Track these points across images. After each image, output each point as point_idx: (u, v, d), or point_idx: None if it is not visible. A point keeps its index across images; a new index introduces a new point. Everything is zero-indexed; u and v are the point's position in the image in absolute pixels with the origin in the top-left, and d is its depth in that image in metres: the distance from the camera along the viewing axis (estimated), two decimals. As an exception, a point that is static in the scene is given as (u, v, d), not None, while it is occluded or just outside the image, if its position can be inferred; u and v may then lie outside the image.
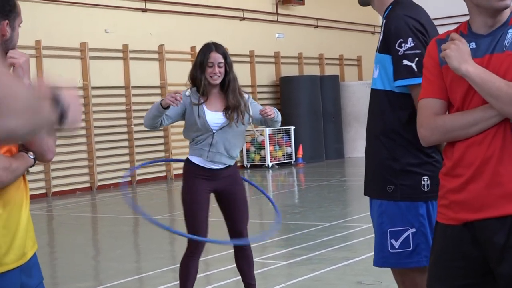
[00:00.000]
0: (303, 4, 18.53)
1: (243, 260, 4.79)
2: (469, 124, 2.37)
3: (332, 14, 19.45)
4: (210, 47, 4.62)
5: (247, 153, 16.83)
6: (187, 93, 4.61)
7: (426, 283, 2.55)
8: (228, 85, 4.62)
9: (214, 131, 4.57)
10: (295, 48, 18.64)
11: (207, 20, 16.16)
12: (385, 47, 3.00)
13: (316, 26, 19.25)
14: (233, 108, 4.59)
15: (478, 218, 2.38)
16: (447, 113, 2.48)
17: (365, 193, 3.20)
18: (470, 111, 2.38)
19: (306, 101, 17.49)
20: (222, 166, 4.61)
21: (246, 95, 4.73)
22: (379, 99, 3.05)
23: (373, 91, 3.10)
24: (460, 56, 2.36)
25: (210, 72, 4.55)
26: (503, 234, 2.34)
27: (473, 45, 2.42)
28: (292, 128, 17.19)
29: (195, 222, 4.54)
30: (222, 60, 4.60)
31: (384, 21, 3.07)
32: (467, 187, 2.39)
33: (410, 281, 3.10)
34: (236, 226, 4.68)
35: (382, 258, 3.06)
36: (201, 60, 4.58)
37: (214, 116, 4.58)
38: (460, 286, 2.42)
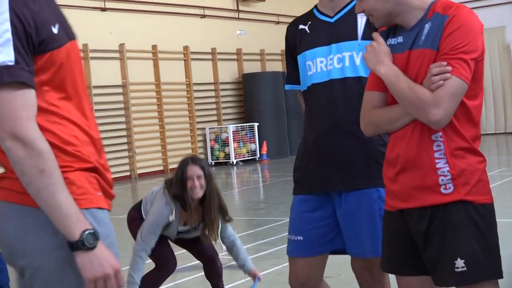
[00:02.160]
0: (264, 0, 18.56)
1: (213, 272, 4.87)
2: (391, 119, 2.46)
3: (293, 10, 19.50)
4: (186, 161, 4.53)
5: (211, 151, 16.83)
6: (171, 218, 4.49)
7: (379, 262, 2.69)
8: (208, 199, 4.53)
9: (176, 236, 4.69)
10: (257, 44, 18.67)
11: (167, 18, 16.09)
12: None
13: (278, 22, 19.30)
14: (205, 225, 4.59)
15: (405, 207, 2.50)
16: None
17: (354, 186, 3.10)
18: (393, 107, 2.47)
19: (269, 97, 17.52)
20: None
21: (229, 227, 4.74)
22: (361, 86, 2.95)
23: (353, 79, 3.08)
24: (375, 57, 2.45)
25: (190, 186, 4.45)
26: (424, 223, 2.45)
27: (401, 39, 2.47)
28: (256, 124, 17.22)
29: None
30: (201, 173, 4.49)
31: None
32: (397, 178, 2.50)
33: (378, 264, 3.13)
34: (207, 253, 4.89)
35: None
36: (180, 175, 4.47)
37: (183, 228, 4.66)
38: (405, 266, 2.55)
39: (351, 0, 3.17)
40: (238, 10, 18.26)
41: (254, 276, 4.82)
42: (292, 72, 3.29)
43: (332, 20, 3.18)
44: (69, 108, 2.01)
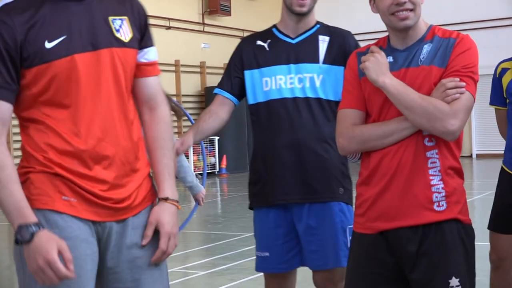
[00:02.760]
0: (230, 15, 18.62)
1: None
2: (384, 134, 2.45)
3: (258, 25, 19.57)
4: None
5: (170, 163, 16.72)
6: None
7: None
8: None
9: None
10: (221, 58, 18.65)
11: (132, 28, 16.01)
12: (343, 59, 3.06)
13: (243, 37, 19.33)
14: None
15: (392, 227, 2.46)
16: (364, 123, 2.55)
17: (316, 199, 3.16)
18: (386, 122, 2.46)
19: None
20: None
21: None
22: (322, 107, 3.15)
23: (315, 100, 3.15)
24: (378, 68, 2.45)
25: None
26: (415, 243, 2.43)
27: (391, 58, 2.51)
28: (216, 138, 17.20)
29: None
30: None
31: (327, 37, 3.20)
32: (381, 197, 2.47)
33: (340, 275, 3.17)
34: None
35: (344, 256, 3.11)
36: None
37: None
38: None
39: (313, 25, 3.28)
40: (203, 23, 18.27)
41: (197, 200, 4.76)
42: (228, 80, 3.32)
43: (293, 41, 3.26)
44: (61, 118, 2.11)
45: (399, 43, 2.53)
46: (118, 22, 2.19)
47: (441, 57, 2.44)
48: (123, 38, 2.19)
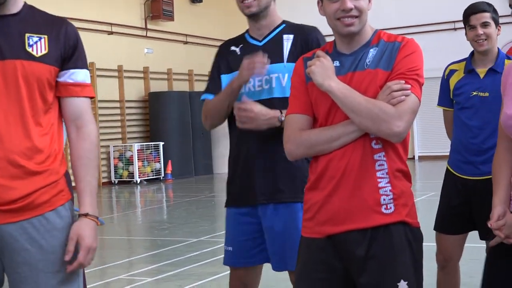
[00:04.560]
0: (172, 20, 18.51)
1: None
2: (331, 138, 2.45)
3: (202, 31, 19.55)
4: None
5: (115, 169, 16.53)
6: None
7: None
8: None
9: None
10: (165, 63, 18.57)
11: (74, 33, 15.75)
12: None
13: (186, 42, 19.27)
14: None
15: (340, 231, 2.45)
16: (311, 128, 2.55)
17: (279, 200, 3.18)
18: (332, 127, 2.46)
19: (175, 116, 17.42)
20: None
21: None
22: (284, 106, 3.02)
23: (280, 100, 3.14)
24: (324, 72, 2.45)
25: None
26: (364, 246, 2.43)
27: (337, 63, 2.51)
28: (161, 143, 17.07)
29: None
30: None
31: (291, 35, 3.19)
32: (329, 200, 2.46)
33: None
34: None
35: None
36: None
37: None
38: None
39: (278, 24, 3.28)
40: (146, 28, 18.12)
41: None
42: (214, 83, 3.35)
43: (260, 44, 3.28)
44: None
45: (345, 47, 2.54)
46: (35, 39, 2.36)
47: (386, 60, 2.46)
48: (34, 53, 2.34)
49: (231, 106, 3.21)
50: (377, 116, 2.36)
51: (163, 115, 17.32)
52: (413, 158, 19.16)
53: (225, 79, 3.30)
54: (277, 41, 3.23)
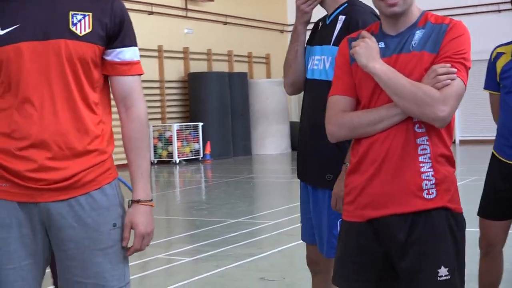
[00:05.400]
0: (212, 0, 18.49)
1: None
2: (374, 121, 2.42)
3: (242, 11, 19.50)
4: None
5: (154, 149, 16.65)
6: None
7: (331, 279, 2.60)
8: None
9: None
10: (204, 44, 18.58)
11: (115, 13, 15.83)
12: None
13: (226, 23, 19.25)
14: None
15: (381, 215, 2.43)
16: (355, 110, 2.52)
17: (308, 182, 3.27)
18: (375, 109, 2.43)
19: (215, 97, 17.45)
20: None
21: None
22: (327, 89, 2.96)
23: (320, 82, 3.13)
24: (368, 53, 2.41)
25: None
26: (405, 231, 2.40)
27: (382, 44, 2.47)
28: (200, 124, 17.13)
29: None
30: None
31: (344, 16, 3.15)
32: (371, 184, 2.44)
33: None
34: None
35: (334, 248, 3.03)
36: None
37: None
38: (364, 281, 2.48)
39: (341, 4, 3.23)
40: (186, 9, 18.13)
41: None
42: None
43: (327, 23, 3.26)
44: (6, 103, 2.28)
45: (391, 29, 2.49)
46: (79, 16, 2.31)
47: (432, 43, 2.41)
48: (77, 32, 2.29)
49: (302, 53, 3.24)
50: (421, 99, 2.32)
51: (202, 96, 17.36)
52: (454, 142, 18.92)
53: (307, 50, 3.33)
54: (334, 22, 3.20)
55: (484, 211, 3.90)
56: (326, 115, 2.56)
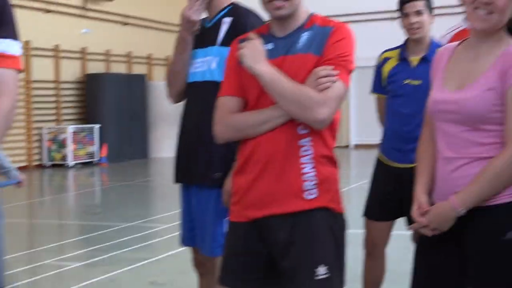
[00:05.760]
0: (112, 0, 18.17)
1: None
2: (259, 122, 2.44)
3: (142, 12, 19.26)
4: None
5: (48, 152, 16.14)
6: None
7: (218, 277, 2.61)
8: None
9: None
10: (103, 44, 18.23)
11: (8, 10, 15.25)
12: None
13: (125, 24, 18.95)
14: None
15: (264, 215, 2.45)
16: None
17: (193, 182, 3.21)
18: (261, 110, 2.45)
19: (112, 99, 17.16)
20: None
21: None
22: (214, 90, 2.93)
23: (208, 83, 3.13)
24: (254, 55, 2.43)
25: None
26: (286, 231, 2.43)
27: (271, 46, 2.50)
28: (97, 126, 16.77)
29: None
30: None
31: (230, 18, 3.16)
32: (255, 184, 2.46)
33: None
34: None
35: (219, 246, 3.02)
36: None
37: None
38: (248, 281, 2.50)
39: (225, 6, 3.25)
40: (85, 8, 17.73)
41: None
42: None
43: (209, 25, 3.26)
44: None
45: (279, 30, 2.52)
46: None
47: (317, 45, 2.44)
48: None
49: (186, 62, 3.20)
50: (302, 102, 2.35)
51: (99, 97, 17.02)
52: (347, 146, 19.36)
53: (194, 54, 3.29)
54: (218, 24, 3.21)
55: (369, 212, 3.98)
56: (214, 116, 2.56)
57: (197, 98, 3.21)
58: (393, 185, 3.85)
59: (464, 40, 2.55)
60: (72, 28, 17.19)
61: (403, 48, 3.87)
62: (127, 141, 17.54)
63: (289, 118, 2.41)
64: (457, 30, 3.94)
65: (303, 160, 2.42)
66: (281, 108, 2.40)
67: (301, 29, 2.50)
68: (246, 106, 2.53)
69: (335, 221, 2.47)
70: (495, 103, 2.36)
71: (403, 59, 3.85)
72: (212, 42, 3.18)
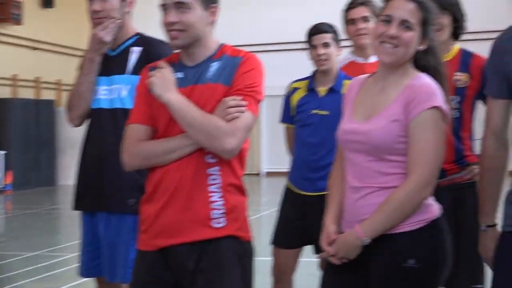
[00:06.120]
0: (21, 24, 17.74)
1: None
2: (167, 151, 2.44)
3: (51, 37, 18.89)
4: None
5: (-51, 178, 15.48)
6: None
7: None
8: None
9: None
10: (10, 69, 17.74)
11: None
12: None
13: (34, 48, 18.53)
14: None
15: (172, 243, 2.44)
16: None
17: (102, 208, 3.18)
18: (169, 139, 2.46)
19: (19, 125, 16.70)
20: None
21: None
22: (124, 117, 2.95)
23: (118, 110, 3.15)
24: (163, 83, 2.43)
25: None
26: (193, 259, 2.43)
27: (181, 74, 2.51)
28: (2, 152, 16.25)
29: None
30: None
31: (140, 47, 3.20)
32: (163, 213, 2.45)
33: None
34: None
35: (130, 273, 2.95)
36: None
37: None
38: None
39: (130, 36, 3.29)
40: (-9, 31, 17.24)
41: None
42: None
43: (114, 53, 3.29)
44: None
45: (188, 59, 2.54)
46: None
47: (227, 75, 2.47)
48: None
49: (92, 83, 3.19)
50: (210, 131, 2.37)
51: (6, 123, 16.54)
52: (259, 174, 19.47)
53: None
54: (126, 53, 3.23)
55: (276, 240, 4.00)
56: (123, 144, 2.55)
57: (103, 124, 3.19)
58: (300, 213, 3.90)
59: (374, 72, 2.63)
60: (-23, 51, 16.68)
61: (311, 79, 3.96)
62: (33, 167, 17.07)
63: (198, 147, 2.42)
64: (345, 63, 4.08)
65: (211, 188, 2.44)
66: (189, 137, 2.41)
67: (210, 59, 2.52)
68: (155, 135, 2.52)
69: (243, 249, 2.48)
70: (399, 135, 2.44)
71: (311, 90, 3.93)
72: (120, 71, 3.19)
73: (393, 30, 2.46)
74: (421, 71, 2.53)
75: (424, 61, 2.54)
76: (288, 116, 4.04)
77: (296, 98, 3.97)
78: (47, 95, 18.85)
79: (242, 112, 2.40)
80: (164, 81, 2.44)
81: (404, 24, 2.46)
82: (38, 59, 18.54)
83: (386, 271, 2.45)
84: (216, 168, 2.45)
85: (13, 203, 14.40)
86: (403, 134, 2.43)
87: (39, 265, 7.20)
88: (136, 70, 3.10)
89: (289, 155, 4.15)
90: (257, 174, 19.37)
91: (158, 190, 2.47)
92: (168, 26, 2.46)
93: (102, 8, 3.18)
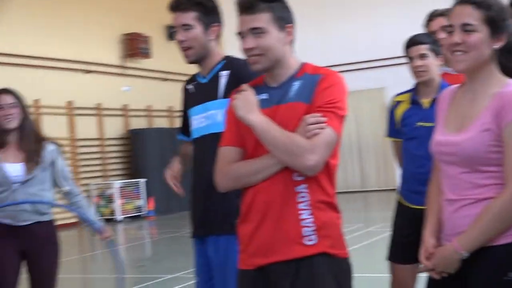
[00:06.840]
0: (150, 57, 18.56)
1: None
2: (254, 171, 2.50)
3: (180, 67, 19.61)
4: None
5: (96, 207, 16.45)
6: None
7: None
8: (24, 129, 4.34)
9: (14, 186, 4.26)
10: (143, 100, 18.63)
11: (49, 72, 15.79)
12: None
13: (165, 79, 19.34)
14: (30, 155, 4.30)
15: (268, 262, 2.49)
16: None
17: (211, 232, 3.23)
18: (256, 159, 2.51)
19: (157, 153, 17.41)
20: (29, 222, 4.30)
21: (53, 146, 4.47)
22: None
23: (216, 135, 3.16)
24: (245, 105, 2.50)
25: (1, 115, 4.27)
26: (289, 278, 2.46)
27: (265, 96, 2.57)
28: (143, 180, 17.01)
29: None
30: (13, 101, 4.31)
31: (228, 71, 3.27)
32: (257, 232, 2.51)
33: None
34: None
35: None
36: None
37: (14, 168, 4.29)
38: None
39: (219, 61, 3.36)
40: (123, 66, 18.20)
41: (104, 237, 4.58)
42: (183, 124, 3.60)
43: (206, 81, 3.38)
44: None
45: (272, 80, 2.59)
46: None
47: (307, 93, 2.50)
48: None
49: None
50: (291, 150, 2.40)
51: (144, 152, 17.32)
52: (394, 189, 19.02)
53: (189, 114, 3.44)
54: (216, 78, 3.32)
55: (392, 256, 3.99)
56: (215, 166, 2.64)
57: (204, 151, 3.26)
58: (413, 227, 3.81)
59: (464, 83, 2.58)
60: (113, 86, 17.65)
61: (414, 91, 3.94)
62: (173, 193, 17.57)
63: (283, 166, 2.45)
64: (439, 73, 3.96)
65: (300, 206, 2.46)
66: (274, 157, 2.45)
67: (292, 78, 2.56)
68: (245, 155, 2.58)
69: (337, 266, 2.48)
70: (492, 144, 2.39)
71: (414, 102, 3.90)
72: (213, 96, 3.26)
73: (456, 37, 2.43)
74: (509, 72, 2.47)
75: (507, 61, 2.48)
76: (393, 130, 4.03)
77: (400, 111, 3.96)
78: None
79: (322, 128, 2.42)
80: (247, 103, 2.49)
81: (465, 28, 2.42)
82: (169, 89, 19.32)
83: (485, 285, 2.41)
84: (304, 185, 2.46)
85: (157, 228, 15.03)
86: (496, 144, 2.38)
87: (184, 284, 7.52)
88: (227, 94, 3.16)
89: (399, 169, 4.15)
90: (393, 190, 18.94)
91: (251, 210, 2.53)
92: (247, 52, 2.53)
93: (186, 37, 3.30)
